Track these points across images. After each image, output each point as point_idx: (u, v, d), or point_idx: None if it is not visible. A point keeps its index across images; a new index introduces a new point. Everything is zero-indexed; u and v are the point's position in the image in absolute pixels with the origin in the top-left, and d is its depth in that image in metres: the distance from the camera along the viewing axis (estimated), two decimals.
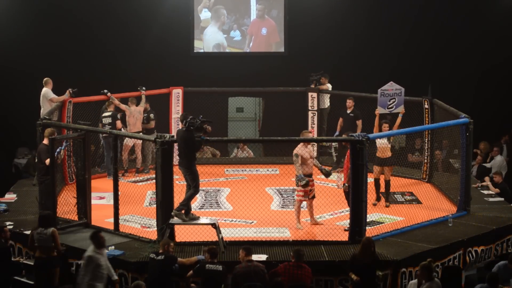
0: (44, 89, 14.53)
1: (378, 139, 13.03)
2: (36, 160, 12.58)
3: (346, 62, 18.41)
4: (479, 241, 11.90)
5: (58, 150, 11.93)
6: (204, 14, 18.47)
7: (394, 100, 13.60)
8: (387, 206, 13.16)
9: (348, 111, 15.64)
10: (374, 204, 13.13)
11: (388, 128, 13.28)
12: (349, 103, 15.67)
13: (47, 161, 11.88)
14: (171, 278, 10.32)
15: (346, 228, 11.76)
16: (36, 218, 11.04)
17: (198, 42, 18.63)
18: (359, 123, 15.40)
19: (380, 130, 13.37)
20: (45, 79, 14.61)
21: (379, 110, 13.58)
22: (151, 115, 15.61)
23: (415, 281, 10.15)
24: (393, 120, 13.86)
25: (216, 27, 18.49)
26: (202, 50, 18.47)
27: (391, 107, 13.65)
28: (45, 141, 12.10)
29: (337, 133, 15.65)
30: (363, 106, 15.81)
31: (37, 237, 10.49)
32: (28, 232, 11.13)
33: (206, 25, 18.49)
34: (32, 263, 10.86)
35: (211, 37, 18.50)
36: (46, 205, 11.92)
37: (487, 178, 14.69)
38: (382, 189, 13.39)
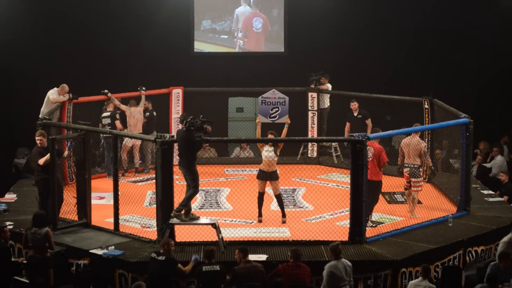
0: (52, 90, 14.55)
1: (264, 152, 12.33)
2: (32, 163, 12.63)
3: (346, 62, 18.41)
4: (479, 241, 11.90)
5: (69, 145, 12.01)
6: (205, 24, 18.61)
7: (277, 109, 12.94)
8: (283, 222, 12.43)
9: (355, 114, 15.61)
10: (260, 221, 12.44)
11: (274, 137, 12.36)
12: (354, 105, 15.64)
13: (40, 161, 11.88)
14: (171, 278, 10.32)
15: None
16: None
17: (199, 44, 18.70)
18: (368, 122, 15.39)
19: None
20: (62, 84, 14.62)
21: (260, 119, 12.92)
22: (146, 114, 15.53)
23: (415, 281, 10.17)
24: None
25: (248, 6, 18.72)
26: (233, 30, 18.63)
27: (274, 117, 12.92)
28: (38, 144, 12.14)
29: None
30: (362, 107, 15.85)
31: (31, 237, 10.47)
32: None
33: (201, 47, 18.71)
34: None
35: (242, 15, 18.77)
36: (43, 205, 11.92)
37: (506, 197, 14.54)
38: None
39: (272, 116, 12.86)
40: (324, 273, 9.89)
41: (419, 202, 13.31)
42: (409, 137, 12.87)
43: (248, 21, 18.70)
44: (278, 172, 12.49)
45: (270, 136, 12.26)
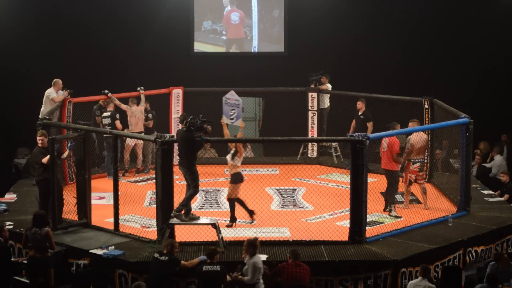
0: (49, 89, 14.54)
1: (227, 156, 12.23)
2: (33, 163, 12.62)
3: (346, 62, 18.42)
4: (479, 241, 11.90)
5: (70, 145, 12.00)
6: (206, 25, 18.70)
7: (234, 111, 12.22)
8: (251, 222, 12.23)
9: (359, 113, 15.59)
10: (228, 226, 12.11)
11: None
12: (359, 105, 15.60)
13: (44, 159, 11.88)
14: (172, 278, 10.32)
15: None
16: None
17: (200, 44, 18.72)
18: (369, 125, 15.29)
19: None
20: (54, 80, 14.61)
21: (224, 120, 12.37)
22: (149, 115, 15.58)
23: (414, 281, 10.17)
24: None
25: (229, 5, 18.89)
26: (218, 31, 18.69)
27: (232, 119, 12.24)
28: (39, 144, 12.14)
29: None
30: (368, 108, 15.80)
31: (31, 237, 10.45)
32: None
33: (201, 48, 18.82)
34: None
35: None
36: (44, 205, 11.92)
37: (506, 196, 14.58)
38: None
39: (231, 117, 12.29)
40: (250, 269, 9.87)
41: (419, 202, 13.32)
42: (415, 133, 12.99)
43: (228, 16, 18.81)
44: (240, 176, 12.20)
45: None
